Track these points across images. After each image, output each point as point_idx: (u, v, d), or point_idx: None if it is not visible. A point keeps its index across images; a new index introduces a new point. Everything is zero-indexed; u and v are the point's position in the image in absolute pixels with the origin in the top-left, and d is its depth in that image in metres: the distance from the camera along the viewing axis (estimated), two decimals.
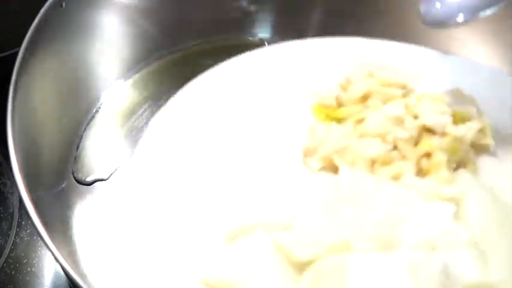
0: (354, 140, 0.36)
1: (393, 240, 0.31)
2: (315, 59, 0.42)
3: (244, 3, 0.62)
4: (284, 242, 0.32)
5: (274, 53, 0.42)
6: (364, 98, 0.39)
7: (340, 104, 0.39)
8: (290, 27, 0.63)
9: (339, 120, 0.38)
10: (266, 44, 0.63)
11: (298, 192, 0.35)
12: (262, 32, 0.64)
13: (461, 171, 0.36)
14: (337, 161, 0.36)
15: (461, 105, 0.38)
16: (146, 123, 0.55)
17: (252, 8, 0.62)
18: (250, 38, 0.64)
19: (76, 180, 0.50)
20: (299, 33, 0.63)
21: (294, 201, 0.34)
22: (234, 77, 0.41)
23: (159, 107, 0.56)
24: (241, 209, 0.34)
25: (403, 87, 0.39)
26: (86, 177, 0.50)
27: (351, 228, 0.31)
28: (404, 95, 0.38)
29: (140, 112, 0.56)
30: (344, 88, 0.40)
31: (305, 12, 0.62)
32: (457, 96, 0.39)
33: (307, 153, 0.37)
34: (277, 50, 0.42)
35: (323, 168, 0.36)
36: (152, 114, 0.56)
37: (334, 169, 0.36)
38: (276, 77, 0.41)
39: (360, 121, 0.37)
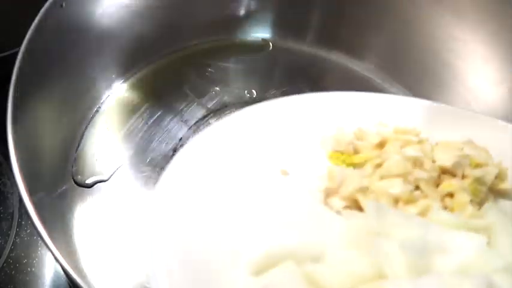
0: (375, 180, 0.36)
1: (427, 268, 0.31)
2: (326, 111, 0.42)
3: (245, 3, 0.62)
4: (316, 274, 0.31)
5: (287, 104, 0.43)
6: (381, 145, 0.39)
7: (356, 151, 0.39)
8: (290, 27, 0.63)
9: (356, 166, 0.39)
10: (270, 44, 0.63)
11: (326, 224, 0.34)
12: (263, 32, 0.64)
13: (486, 206, 0.35)
14: (361, 199, 0.35)
15: (475, 153, 0.38)
16: (146, 123, 0.55)
17: (252, 7, 0.63)
18: (250, 38, 0.64)
19: (76, 183, 0.50)
20: (299, 33, 0.64)
21: (321, 233, 0.33)
22: (247, 127, 0.41)
23: (159, 107, 0.57)
24: (267, 241, 0.33)
25: (418, 134, 0.40)
26: (86, 180, 0.50)
27: (384, 258, 0.31)
28: (420, 142, 0.39)
29: (140, 112, 0.56)
30: (358, 137, 0.40)
31: (305, 12, 0.62)
32: (470, 146, 0.39)
33: (329, 194, 0.37)
34: (288, 102, 0.43)
35: (347, 207, 0.36)
36: (152, 114, 0.56)
37: (358, 208, 0.36)
38: (290, 126, 0.41)
39: (378, 165, 0.37)
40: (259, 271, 0.32)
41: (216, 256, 0.33)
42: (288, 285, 0.31)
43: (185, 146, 0.38)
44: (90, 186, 0.50)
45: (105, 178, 0.51)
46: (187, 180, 0.36)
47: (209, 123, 0.56)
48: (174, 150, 0.53)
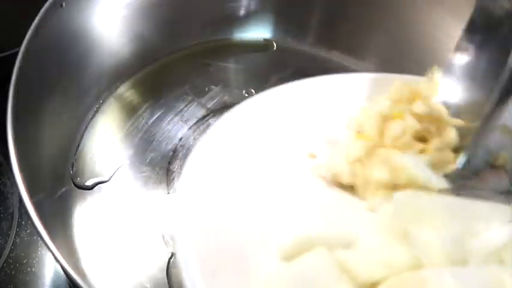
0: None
1: (464, 256, 0.30)
2: (350, 91, 0.41)
3: (245, 3, 0.62)
4: (350, 262, 0.30)
5: (308, 86, 0.42)
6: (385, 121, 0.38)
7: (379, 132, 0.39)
8: (290, 27, 0.63)
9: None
10: (270, 44, 0.63)
11: (357, 210, 0.34)
12: (263, 32, 0.64)
13: None
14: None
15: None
16: (146, 123, 0.55)
17: (252, 7, 0.63)
18: (250, 38, 0.64)
19: (76, 185, 0.50)
20: (299, 33, 0.64)
21: (353, 219, 0.33)
22: (271, 110, 0.40)
23: (159, 107, 0.57)
24: (298, 226, 0.33)
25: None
26: (85, 182, 0.50)
27: (419, 245, 0.30)
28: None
29: (140, 112, 0.56)
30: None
31: (305, 12, 0.62)
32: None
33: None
34: (310, 84, 0.42)
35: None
36: (152, 114, 0.56)
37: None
38: (314, 108, 0.41)
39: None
40: (290, 256, 0.31)
41: (245, 241, 0.33)
42: (320, 271, 0.30)
43: (209, 131, 0.37)
44: (91, 188, 0.50)
45: (105, 179, 0.51)
46: (214, 165, 0.36)
47: (209, 123, 0.56)
48: (174, 151, 0.54)
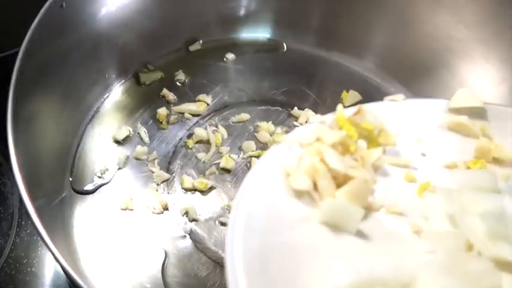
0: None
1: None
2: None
3: (245, 3, 0.62)
4: None
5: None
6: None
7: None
8: (290, 28, 0.63)
9: None
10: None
11: (416, 250, 0.33)
12: (263, 32, 0.64)
13: None
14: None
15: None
16: (146, 123, 0.55)
17: (253, 8, 0.63)
18: (250, 38, 0.64)
19: (76, 191, 0.50)
20: (299, 33, 0.64)
21: (412, 259, 0.32)
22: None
23: (158, 107, 0.57)
24: (354, 265, 0.32)
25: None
26: (85, 186, 0.50)
27: (479, 284, 0.30)
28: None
29: (140, 112, 0.56)
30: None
31: (305, 13, 0.62)
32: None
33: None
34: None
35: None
36: (151, 114, 0.56)
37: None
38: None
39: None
40: None
41: (299, 276, 0.32)
42: None
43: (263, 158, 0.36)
44: (91, 192, 0.50)
45: (105, 180, 0.51)
46: (273, 186, 0.35)
47: (209, 123, 0.56)
48: (174, 151, 0.54)
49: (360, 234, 0.34)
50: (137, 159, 0.53)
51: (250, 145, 0.54)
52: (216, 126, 0.55)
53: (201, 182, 0.51)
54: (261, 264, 0.31)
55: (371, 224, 0.35)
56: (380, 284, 0.31)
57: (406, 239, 0.34)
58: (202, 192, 0.51)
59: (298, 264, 0.32)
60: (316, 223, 0.34)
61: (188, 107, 0.57)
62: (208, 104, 0.57)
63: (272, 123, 0.56)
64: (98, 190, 0.50)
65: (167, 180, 0.51)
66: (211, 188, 0.51)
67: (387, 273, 0.32)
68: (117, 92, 0.57)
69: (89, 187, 0.50)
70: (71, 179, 0.50)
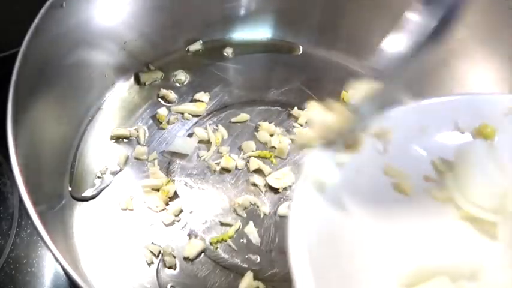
0: None
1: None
2: None
3: (245, 3, 0.62)
4: None
5: None
6: None
7: None
8: (290, 27, 0.63)
9: None
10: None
11: (481, 241, 0.33)
12: (263, 32, 0.64)
13: None
14: None
15: None
16: (146, 123, 0.55)
17: (252, 8, 0.63)
18: (251, 38, 0.64)
19: (74, 197, 0.49)
20: (299, 33, 0.64)
21: (477, 249, 0.33)
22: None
23: (159, 107, 0.57)
24: (420, 252, 0.32)
25: None
26: (84, 191, 0.50)
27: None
28: None
29: (140, 112, 0.56)
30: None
31: (305, 13, 0.62)
32: None
33: None
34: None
35: None
36: (151, 114, 0.56)
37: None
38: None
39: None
40: (410, 284, 0.31)
41: (363, 264, 0.32)
42: None
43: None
44: (91, 197, 0.50)
45: (105, 182, 0.51)
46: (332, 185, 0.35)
47: (209, 123, 0.56)
48: (174, 151, 0.53)
49: (422, 225, 0.34)
50: (137, 159, 0.53)
51: (250, 145, 0.54)
52: (216, 126, 0.55)
53: (200, 182, 0.51)
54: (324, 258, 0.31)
55: (432, 215, 0.35)
56: (443, 273, 0.31)
57: (471, 229, 0.34)
58: (202, 192, 0.51)
59: (360, 254, 0.32)
60: (376, 218, 0.34)
61: (188, 107, 0.57)
62: (208, 104, 0.57)
63: (272, 123, 0.56)
64: (98, 190, 0.50)
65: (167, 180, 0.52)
66: (211, 188, 0.51)
67: (452, 261, 0.32)
68: (117, 92, 0.57)
69: (88, 192, 0.50)
70: (70, 187, 0.50)
